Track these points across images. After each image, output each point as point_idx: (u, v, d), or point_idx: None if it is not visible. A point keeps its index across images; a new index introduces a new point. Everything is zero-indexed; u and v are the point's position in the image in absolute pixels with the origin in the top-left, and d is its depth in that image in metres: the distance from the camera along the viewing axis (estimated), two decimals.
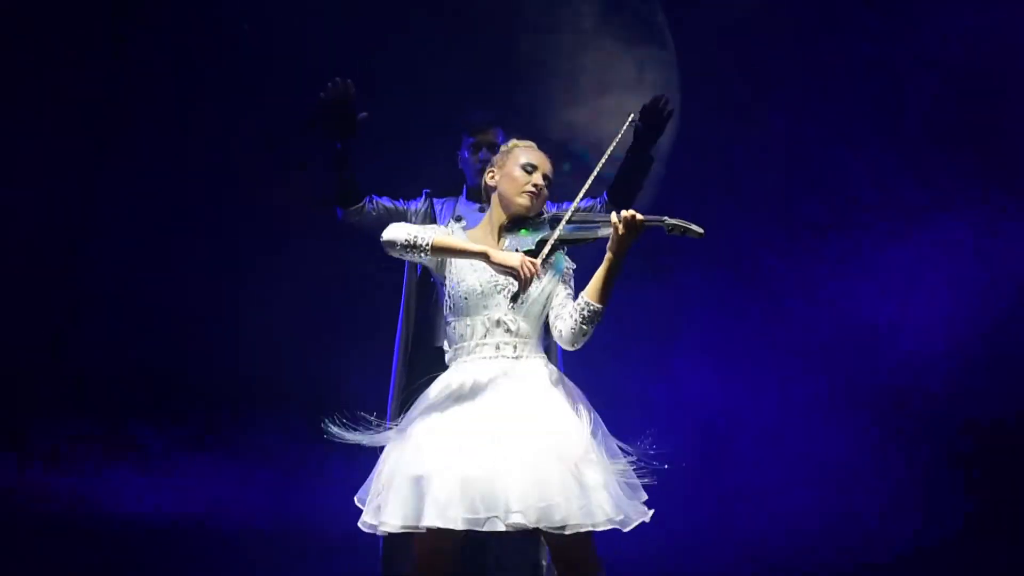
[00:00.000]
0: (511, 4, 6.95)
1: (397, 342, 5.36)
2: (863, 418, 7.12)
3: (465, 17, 7.01)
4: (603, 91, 6.62)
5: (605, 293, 4.11)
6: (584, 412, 4.13)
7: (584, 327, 4.13)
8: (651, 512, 4.09)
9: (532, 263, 4.08)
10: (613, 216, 4.10)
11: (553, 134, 6.59)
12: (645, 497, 4.13)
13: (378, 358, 5.45)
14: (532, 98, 6.82)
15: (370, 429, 4.13)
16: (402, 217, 5.44)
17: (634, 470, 4.07)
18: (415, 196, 5.57)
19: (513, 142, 4.46)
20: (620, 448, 4.14)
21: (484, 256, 4.11)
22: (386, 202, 5.49)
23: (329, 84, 5.26)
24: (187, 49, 7.37)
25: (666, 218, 4.12)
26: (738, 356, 7.25)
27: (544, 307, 4.27)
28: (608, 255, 4.11)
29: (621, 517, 4.02)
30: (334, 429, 4.09)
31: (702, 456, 6.83)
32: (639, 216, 4.08)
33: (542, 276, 4.16)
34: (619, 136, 4.30)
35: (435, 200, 5.52)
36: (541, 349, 4.30)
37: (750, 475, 7.09)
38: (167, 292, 7.37)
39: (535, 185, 4.32)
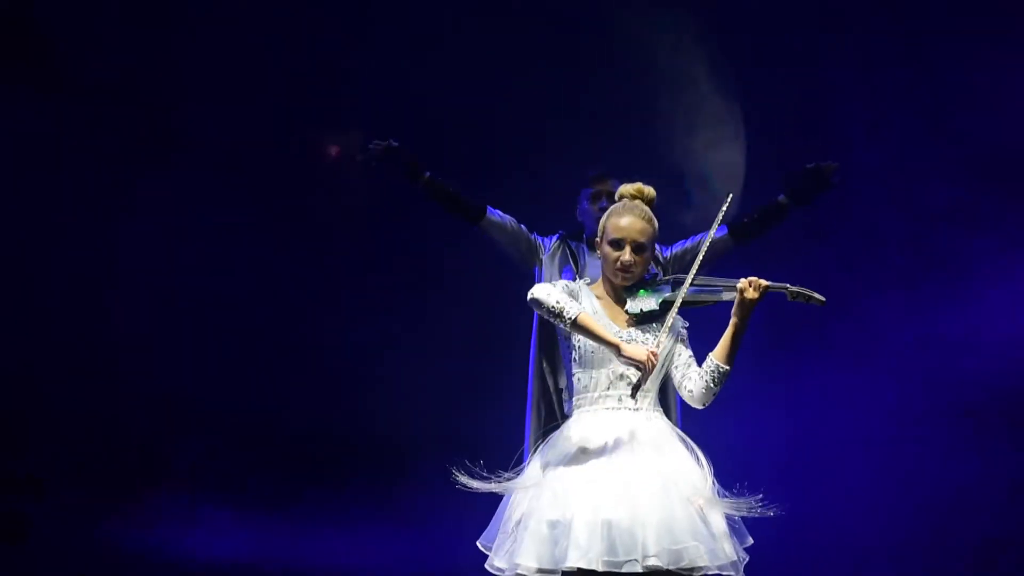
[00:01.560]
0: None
1: (530, 391, 5.55)
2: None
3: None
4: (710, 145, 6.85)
5: (732, 355, 4.34)
6: (703, 459, 4.35)
7: (713, 387, 4.36)
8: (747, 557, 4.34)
9: (655, 355, 4.27)
10: (741, 282, 4.31)
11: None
12: (751, 541, 4.37)
13: (507, 401, 5.66)
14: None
15: (497, 477, 4.33)
16: (532, 249, 5.71)
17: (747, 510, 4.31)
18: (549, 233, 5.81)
19: (623, 197, 4.58)
20: (725, 495, 4.35)
21: (615, 348, 4.29)
22: (523, 227, 5.76)
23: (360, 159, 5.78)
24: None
25: (788, 285, 4.35)
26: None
27: (664, 365, 4.46)
28: (733, 319, 4.33)
29: (736, 559, 4.26)
30: (462, 478, 4.29)
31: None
32: (764, 282, 4.31)
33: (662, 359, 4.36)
34: (718, 219, 4.48)
35: (571, 243, 5.71)
36: (659, 403, 4.49)
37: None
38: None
39: (622, 263, 4.45)
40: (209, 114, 7.46)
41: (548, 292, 4.33)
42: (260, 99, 7.50)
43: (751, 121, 7.09)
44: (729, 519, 4.31)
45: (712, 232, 4.52)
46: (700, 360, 4.43)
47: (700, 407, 4.44)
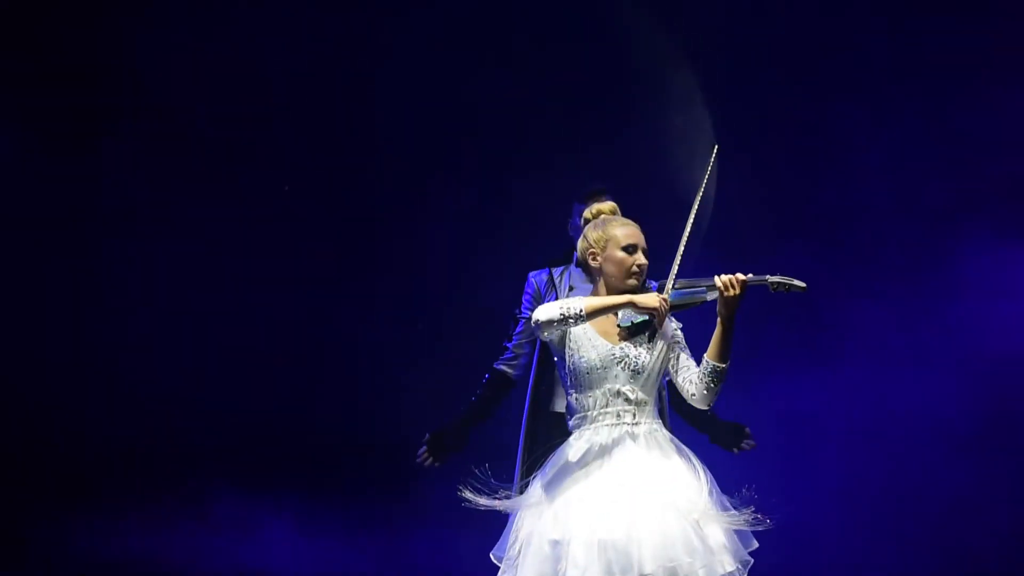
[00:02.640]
0: None
1: (526, 410, 5.56)
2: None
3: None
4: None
5: (725, 352, 4.35)
6: (701, 470, 4.39)
7: (714, 387, 4.38)
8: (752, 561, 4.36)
9: (665, 300, 4.35)
10: (717, 280, 4.33)
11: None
12: (756, 545, 4.38)
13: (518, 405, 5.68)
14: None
15: (502, 494, 4.38)
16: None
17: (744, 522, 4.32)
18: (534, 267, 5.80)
19: (600, 213, 4.60)
20: (729, 503, 4.37)
21: (630, 304, 4.36)
22: (523, 339, 5.73)
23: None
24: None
25: (768, 276, 4.36)
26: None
27: (659, 374, 4.49)
28: (720, 317, 4.34)
29: (735, 568, 4.28)
30: (468, 494, 4.33)
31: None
32: (743, 277, 4.32)
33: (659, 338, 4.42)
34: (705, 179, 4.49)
35: (553, 270, 5.70)
36: (656, 414, 4.51)
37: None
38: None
39: (639, 265, 4.48)
40: (209, 114, 7.46)
41: (545, 308, 4.38)
42: (260, 99, 7.49)
43: (752, 122, 7.11)
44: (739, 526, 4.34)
45: (699, 194, 4.48)
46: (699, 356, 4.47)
47: (704, 408, 4.48)
